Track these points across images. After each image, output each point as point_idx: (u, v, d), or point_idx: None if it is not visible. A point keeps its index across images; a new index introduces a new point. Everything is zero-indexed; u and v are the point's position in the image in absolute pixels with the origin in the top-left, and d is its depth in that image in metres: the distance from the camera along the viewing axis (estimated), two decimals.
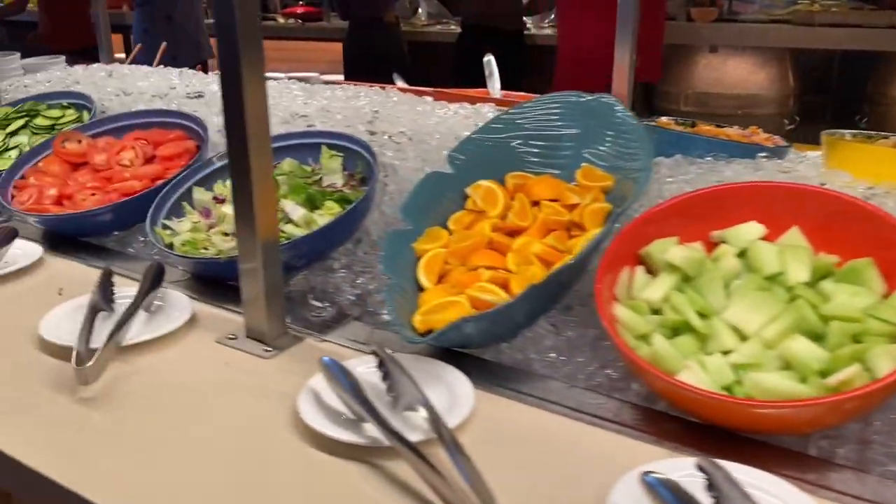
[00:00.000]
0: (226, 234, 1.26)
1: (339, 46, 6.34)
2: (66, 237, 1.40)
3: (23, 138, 1.69)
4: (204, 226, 1.30)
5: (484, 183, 1.22)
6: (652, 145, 1.15)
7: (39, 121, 1.72)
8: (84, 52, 3.30)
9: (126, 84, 1.98)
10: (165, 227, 1.31)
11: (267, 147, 1.00)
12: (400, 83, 2.29)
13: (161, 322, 1.08)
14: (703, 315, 0.92)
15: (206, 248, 1.23)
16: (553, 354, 0.97)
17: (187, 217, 1.33)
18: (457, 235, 1.15)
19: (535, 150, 1.27)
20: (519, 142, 1.27)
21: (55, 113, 1.74)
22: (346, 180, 1.34)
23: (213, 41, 4.73)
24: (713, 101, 4.91)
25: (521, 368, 0.97)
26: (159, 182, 1.42)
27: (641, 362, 0.84)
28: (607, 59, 1.61)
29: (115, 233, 1.40)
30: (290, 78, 6.18)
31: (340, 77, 6.25)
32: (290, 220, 1.23)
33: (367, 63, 5.46)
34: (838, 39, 4.52)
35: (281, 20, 6.46)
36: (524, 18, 5.38)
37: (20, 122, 1.72)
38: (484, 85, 5.37)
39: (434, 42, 5.92)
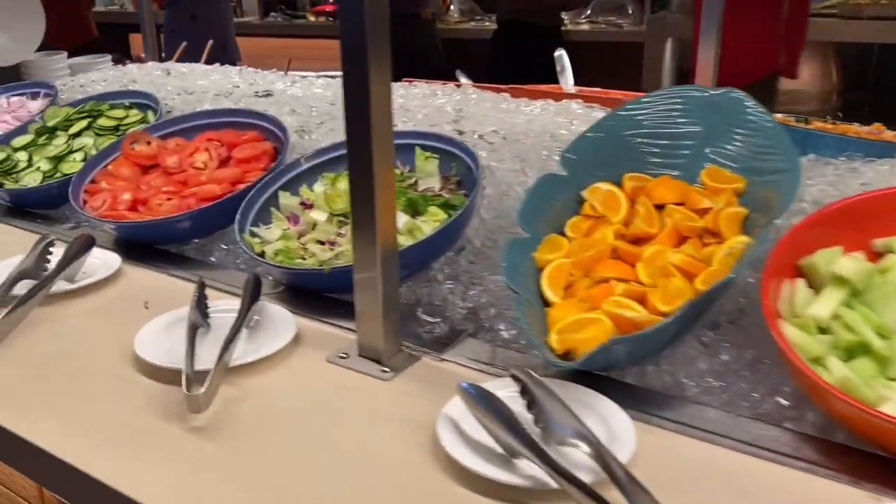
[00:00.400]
0: (321, 243, 1.17)
1: None
2: (141, 244, 1.32)
3: (87, 140, 1.61)
4: (294, 233, 1.21)
5: (602, 186, 1.12)
6: (793, 145, 1.05)
7: (103, 121, 1.64)
8: (84, 49, 3.23)
9: (186, 83, 1.90)
10: (253, 234, 1.22)
11: (390, 150, 0.91)
12: (464, 80, 2.19)
13: (265, 339, 0.99)
14: (882, 335, 0.82)
15: (302, 258, 1.14)
16: (710, 379, 0.87)
17: (275, 224, 1.24)
18: (577, 244, 1.05)
19: (654, 150, 1.17)
20: (636, 140, 1.17)
21: (119, 113, 1.66)
22: (443, 184, 1.25)
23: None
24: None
25: (673, 394, 0.87)
26: (241, 186, 1.34)
27: (835, 391, 0.74)
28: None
29: (195, 240, 1.32)
30: (320, 77, 6.09)
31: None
32: None
33: (402, 60, 5.35)
34: (887, 33, 4.37)
35: (311, 18, 6.39)
36: (561, 14, 5.25)
37: (83, 124, 1.65)
38: (523, 81, 5.25)
39: (467, 39, 5.82)
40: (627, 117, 1.18)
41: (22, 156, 1.59)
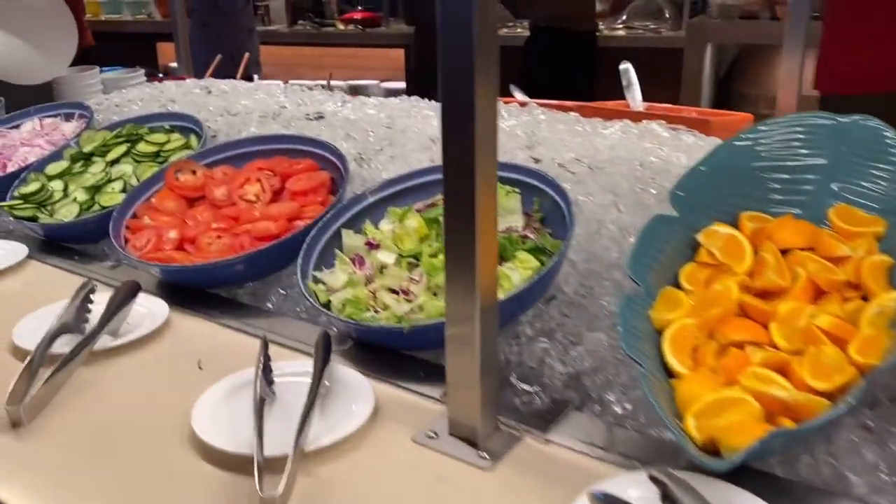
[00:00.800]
0: (394, 291, 1.03)
1: (398, 53, 6.14)
2: (189, 287, 1.19)
3: (126, 167, 1.49)
4: (361, 278, 1.08)
5: (720, 229, 0.98)
6: None
7: (143, 147, 1.53)
8: (82, 58, 3.12)
9: (228, 102, 1.78)
10: (316, 280, 1.09)
11: (493, 184, 0.77)
12: (519, 95, 2.05)
13: (338, 412, 0.86)
14: None
15: (373, 309, 1.01)
16: (882, 473, 0.73)
17: (339, 267, 1.11)
18: (698, 299, 0.91)
19: (773, 185, 1.02)
20: (753, 175, 1.03)
21: (159, 137, 1.54)
22: (526, 222, 1.11)
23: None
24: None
25: (840, 493, 0.72)
26: (299, 223, 1.21)
27: None
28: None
29: (249, 284, 1.19)
30: (351, 87, 6.08)
31: (401, 85, 6.08)
32: None
33: (432, 69, 5.24)
34: None
35: (340, 27, 6.28)
36: (596, 20, 5.09)
37: (121, 149, 1.53)
38: (557, 89, 5.11)
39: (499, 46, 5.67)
40: (743, 148, 1.04)
41: (57, 185, 1.48)
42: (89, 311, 1.07)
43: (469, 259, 0.76)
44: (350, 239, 1.15)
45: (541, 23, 4.94)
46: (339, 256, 1.12)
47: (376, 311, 1.00)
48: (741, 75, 5.36)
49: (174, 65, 6.54)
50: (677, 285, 0.95)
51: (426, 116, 1.58)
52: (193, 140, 1.54)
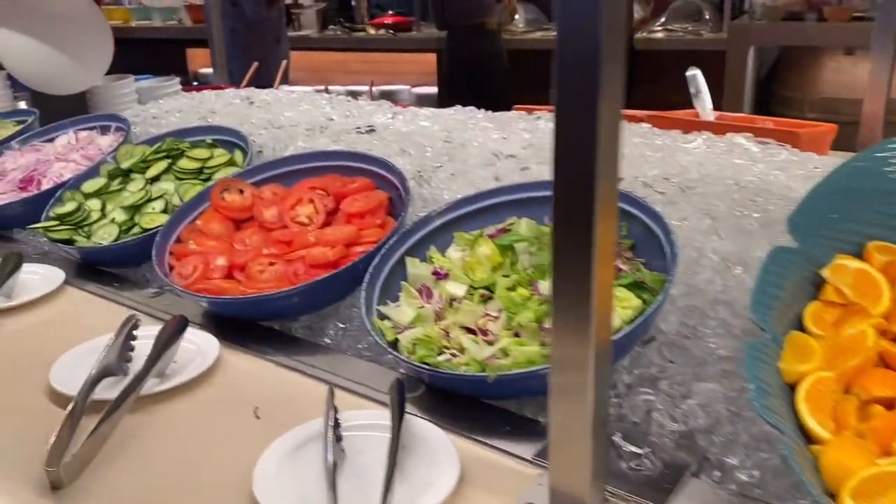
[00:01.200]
0: (469, 330, 0.92)
1: (430, 57, 6.04)
2: (240, 319, 1.09)
3: (167, 185, 1.40)
4: (430, 313, 0.97)
5: (849, 263, 0.85)
6: None
7: (184, 163, 1.43)
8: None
9: (272, 114, 1.68)
10: (381, 315, 0.98)
11: (614, 210, 0.66)
12: None
13: (418, 477, 0.75)
14: None
15: (451, 353, 0.89)
16: None
17: (405, 300, 1.00)
18: (830, 347, 0.79)
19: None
20: (881, 199, 0.90)
21: (201, 153, 1.45)
22: (616, 251, 0.99)
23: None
24: (843, 107, 4.43)
25: None
26: (357, 249, 1.11)
27: None
28: None
29: (304, 317, 1.09)
30: (381, 93, 5.97)
31: (433, 90, 5.99)
32: None
33: (467, 73, 5.15)
34: None
35: (371, 31, 6.19)
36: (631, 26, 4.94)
37: (162, 166, 1.43)
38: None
39: (532, 50, 5.56)
40: (867, 169, 0.91)
41: (94, 204, 1.39)
42: (132, 348, 0.97)
43: (583, 295, 0.65)
44: (415, 268, 1.05)
45: None
46: (406, 288, 1.01)
47: (451, 354, 0.89)
48: (783, 78, 5.18)
49: (205, 71, 6.50)
50: (801, 328, 0.83)
51: (484, 129, 1.47)
52: (238, 156, 1.44)
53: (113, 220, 1.34)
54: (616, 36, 0.60)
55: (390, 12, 6.61)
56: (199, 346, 1.00)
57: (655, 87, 4.79)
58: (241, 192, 1.29)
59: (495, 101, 5.55)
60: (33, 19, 1.95)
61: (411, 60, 6.23)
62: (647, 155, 1.24)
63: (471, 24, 5.10)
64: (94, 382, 0.89)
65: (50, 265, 1.30)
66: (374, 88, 6.18)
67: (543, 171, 1.23)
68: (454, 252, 1.05)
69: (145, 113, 1.83)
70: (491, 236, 1.05)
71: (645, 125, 1.46)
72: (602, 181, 0.63)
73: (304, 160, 1.33)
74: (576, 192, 0.64)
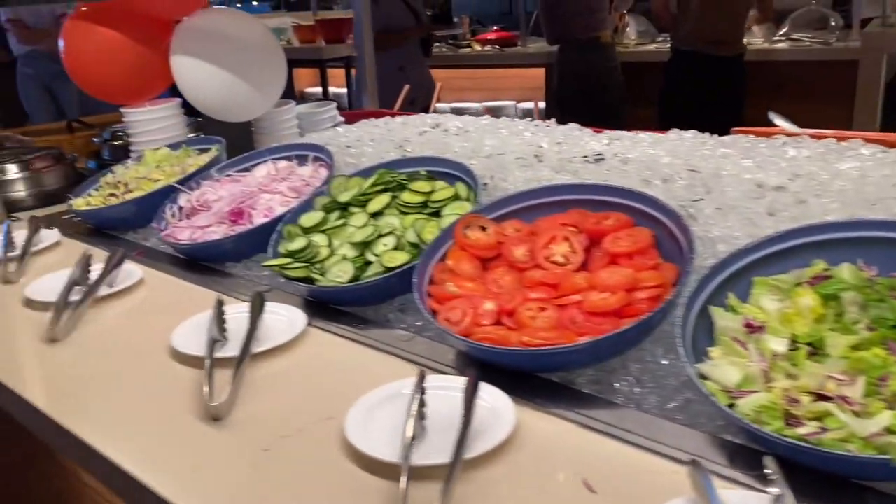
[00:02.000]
0: (822, 398, 0.81)
1: (536, 72, 5.95)
2: (519, 370, 1.01)
3: (393, 220, 1.34)
4: (758, 372, 0.87)
5: None
6: None
7: (407, 196, 1.37)
8: None
9: (472, 142, 1.62)
10: (700, 375, 0.89)
11: None
12: (783, 123, 1.80)
13: None
14: None
15: (818, 426, 0.79)
16: None
17: (723, 357, 0.90)
18: None
19: None
20: None
21: (423, 186, 1.39)
22: None
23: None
24: None
25: None
26: (640, 295, 1.02)
27: None
28: None
29: (590, 371, 1.00)
30: (486, 108, 5.88)
31: (539, 105, 5.89)
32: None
33: (580, 87, 5.04)
34: None
35: (477, 47, 6.15)
36: (744, 42, 4.71)
37: (384, 200, 1.38)
38: (700, 111, 4.73)
39: (643, 62, 5.40)
40: None
41: (321, 240, 1.34)
42: (424, 403, 0.90)
43: None
44: (723, 319, 0.95)
45: (685, 47, 4.64)
46: (725, 343, 0.91)
47: (820, 427, 0.78)
48: None
49: (312, 90, 6.58)
50: None
51: (725, 155, 1.36)
52: (461, 188, 1.37)
53: (344, 257, 1.29)
54: None
55: (495, 27, 6.57)
56: (492, 405, 0.93)
57: (777, 98, 4.59)
58: (483, 228, 1.22)
59: (609, 115, 5.39)
60: (215, 47, 1.95)
61: (517, 76, 6.16)
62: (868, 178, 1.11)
63: (584, 38, 4.99)
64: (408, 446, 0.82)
65: (291, 306, 1.25)
66: (480, 105, 6.14)
67: (826, 205, 1.12)
68: (768, 302, 0.95)
69: (334, 140, 1.80)
70: (809, 284, 0.94)
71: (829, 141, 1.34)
72: None
73: (546, 194, 1.25)
74: None
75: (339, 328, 1.20)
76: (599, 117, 4.80)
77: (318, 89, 6.55)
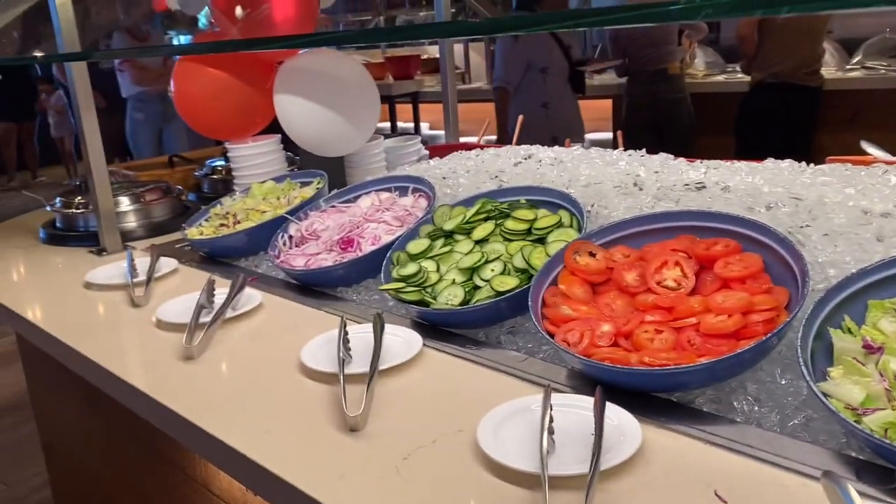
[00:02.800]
0: None
1: (604, 104, 6.00)
2: (634, 389, 1.06)
3: (498, 246, 1.41)
4: (880, 392, 0.89)
5: None
6: None
7: (511, 224, 1.44)
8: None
9: (569, 173, 1.68)
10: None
11: None
12: (873, 151, 1.81)
13: None
14: None
15: None
16: None
17: (845, 376, 0.93)
18: None
19: None
20: None
21: (526, 214, 1.45)
22: None
23: None
24: None
25: None
26: (755, 317, 1.05)
27: None
28: None
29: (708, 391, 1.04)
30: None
31: (606, 135, 5.93)
32: None
33: (649, 118, 5.07)
34: None
35: None
36: (821, 72, 4.67)
37: (489, 227, 1.45)
38: (776, 140, 4.68)
39: (712, 93, 5.40)
40: None
41: (430, 266, 1.42)
42: (551, 419, 0.95)
43: None
44: (841, 340, 0.97)
45: (765, 77, 4.62)
46: (845, 363, 0.94)
47: None
48: None
49: (402, 124, 6.73)
50: None
51: (827, 182, 1.39)
52: (565, 216, 1.43)
53: (453, 282, 1.36)
54: None
55: None
56: (617, 422, 0.97)
57: (844, 131, 4.52)
58: (592, 254, 1.27)
59: (679, 145, 5.38)
60: (316, 86, 2.07)
61: (584, 107, 6.21)
62: None
63: (653, 70, 5.03)
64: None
65: (406, 328, 1.32)
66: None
67: None
68: (887, 324, 0.97)
69: (431, 172, 1.88)
70: None
71: None
72: None
73: (653, 220, 1.29)
74: None
75: (454, 348, 1.26)
76: (668, 147, 4.81)
77: (387, 124, 6.74)
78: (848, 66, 5.19)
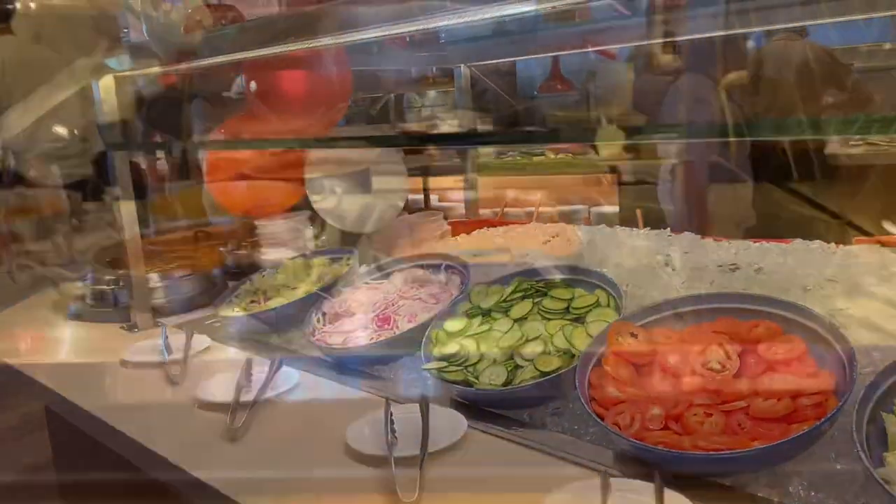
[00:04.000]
0: None
1: (609, 177, 6.11)
2: (689, 474, 1.06)
3: (537, 325, 1.42)
4: None
5: None
6: None
7: (549, 303, 1.46)
8: None
9: (601, 253, 1.71)
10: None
11: None
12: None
13: None
14: None
15: None
16: None
17: None
18: None
19: None
20: None
21: (563, 293, 1.48)
22: None
23: None
24: None
25: None
26: (804, 401, 1.06)
27: None
28: None
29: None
30: (560, 213, 5.90)
31: (613, 209, 6.00)
32: None
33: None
34: None
35: (551, 155, 6.37)
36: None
37: (527, 306, 1.47)
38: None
39: None
40: None
41: (469, 345, 1.43)
42: None
43: None
44: (894, 425, 0.98)
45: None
46: None
47: None
48: None
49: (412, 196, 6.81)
50: None
51: (857, 264, 1.42)
52: (602, 295, 1.45)
53: (494, 361, 1.37)
54: None
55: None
56: None
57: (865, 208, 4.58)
58: (634, 335, 1.29)
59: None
60: (347, 166, 2.13)
61: (590, 181, 6.32)
62: None
63: None
64: None
65: (448, 409, 1.33)
66: (553, 209, 6.26)
67: None
68: None
69: (461, 249, 1.91)
70: None
71: None
72: None
73: (692, 302, 1.32)
74: None
75: (499, 430, 1.27)
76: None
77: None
78: (853, 142, 5.30)
